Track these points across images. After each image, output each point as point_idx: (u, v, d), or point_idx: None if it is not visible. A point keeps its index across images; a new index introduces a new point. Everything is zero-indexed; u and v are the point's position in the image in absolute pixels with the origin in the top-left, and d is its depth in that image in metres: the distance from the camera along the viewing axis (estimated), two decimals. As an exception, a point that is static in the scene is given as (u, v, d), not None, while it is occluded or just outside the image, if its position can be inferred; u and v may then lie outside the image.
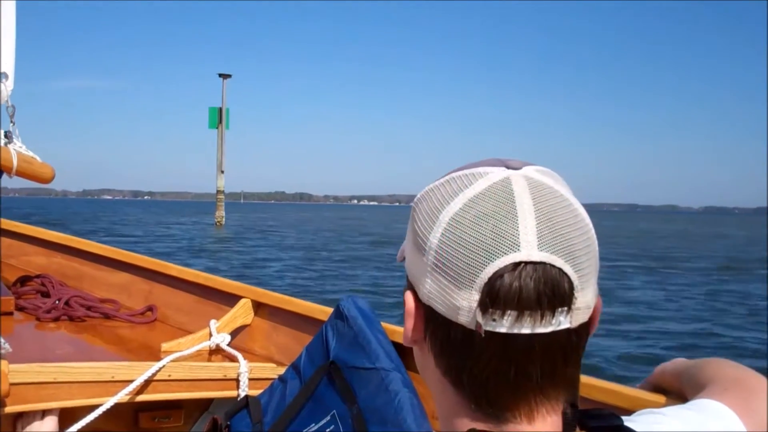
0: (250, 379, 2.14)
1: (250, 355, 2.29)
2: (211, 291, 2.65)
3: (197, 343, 2.30)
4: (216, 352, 2.34)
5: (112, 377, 1.95)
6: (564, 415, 0.78)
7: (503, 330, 0.70)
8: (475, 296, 0.71)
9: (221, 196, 45.70)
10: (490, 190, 0.75)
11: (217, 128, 42.22)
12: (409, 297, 0.78)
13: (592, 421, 0.80)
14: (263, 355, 2.39)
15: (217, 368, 2.14)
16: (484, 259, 0.71)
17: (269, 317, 2.45)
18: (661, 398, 1.29)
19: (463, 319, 0.72)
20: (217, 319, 2.43)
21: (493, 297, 0.70)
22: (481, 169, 0.78)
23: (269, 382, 2.11)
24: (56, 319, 2.61)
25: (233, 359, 2.22)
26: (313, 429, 1.83)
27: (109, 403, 1.90)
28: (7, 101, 2.45)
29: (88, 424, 1.87)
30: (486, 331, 0.70)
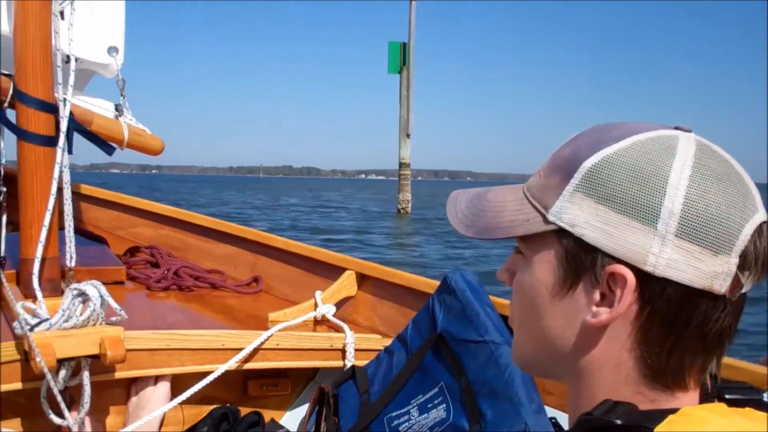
0: (356, 350, 2.20)
1: (354, 326, 2.35)
2: (315, 263, 2.72)
3: (303, 314, 2.38)
4: (321, 322, 2.41)
5: (223, 345, 2.03)
6: (703, 385, 0.78)
7: (743, 291, 0.75)
8: (734, 260, 0.73)
9: (406, 171, 31.50)
10: (705, 152, 0.76)
11: (399, 72, 29.42)
12: (627, 272, 0.75)
13: (729, 392, 0.79)
14: (367, 327, 2.45)
15: (323, 338, 2.21)
16: (739, 221, 0.73)
17: (373, 289, 2.50)
18: None
19: (718, 284, 0.73)
20: (322, 290, 2.50)
21: (749, 259, 0.73)
22: (665, 132, 0.79)
23: (375, 353, 2.16)
24: (166, 289, 2.74)
25: (339, 330, 2.28)
26: (421, 400, 1.86)
27: (220, 370, 1.98)
28: (117, 75, 2.57)
29: (198, 391, 1.96)
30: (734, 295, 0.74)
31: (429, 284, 2.22)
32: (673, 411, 0.72)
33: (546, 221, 0.81)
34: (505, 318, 1.89)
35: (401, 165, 31.07)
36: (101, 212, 3.53)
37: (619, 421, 0.72)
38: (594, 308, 0.78)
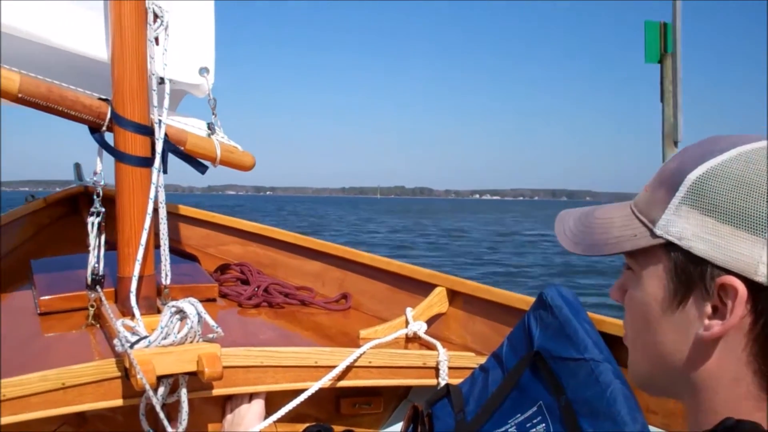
0: (450, 368, 2.19)
1: (447, 343, 2.34)
2: (404, 279, 2.73)
3: (395, 331, 2.39)
4: (413, 340, 2.42)
5: (315, 362, 2.06)
6: None
7: None
8: None
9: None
10: None
11: (659, 62, 20.31)
12: (738, 283, 0.76)
13: None
14: (460, 344, 2.44)
15: (416, 356, 2.21)
16: None
17: (465, 306, 2.50)
18: None
19: None
20: (411, 307, 2.51)
21: None
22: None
23: (468, 371, 2.15)
24: (257, 306, 2.79)
25: (431, 347, 2.28)
26: (519, 419, 1.84)
27: (314, 387, 2.01)
28: (209, 94, 2.65)
29: (292, 409, 1.99)
30: None
31: (523, 300, 2.21)
32: None
33: (653, 235, 0.82)
34: (604, 335, 1.86)
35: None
36: (191, 230, 3.64)
37: None
38: (706, 321, 0.78)
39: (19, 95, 2.03)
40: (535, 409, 1.83)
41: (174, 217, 3.60)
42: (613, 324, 1.90)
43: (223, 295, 2.86)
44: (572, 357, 1.80)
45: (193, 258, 3.23)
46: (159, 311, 2.14)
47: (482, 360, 2.14)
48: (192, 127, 2.57)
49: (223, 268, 3.23)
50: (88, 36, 2.32)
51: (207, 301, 2.70)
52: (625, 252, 0.86)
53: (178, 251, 3.25)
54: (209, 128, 2.64)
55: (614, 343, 1.82)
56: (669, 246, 0.81)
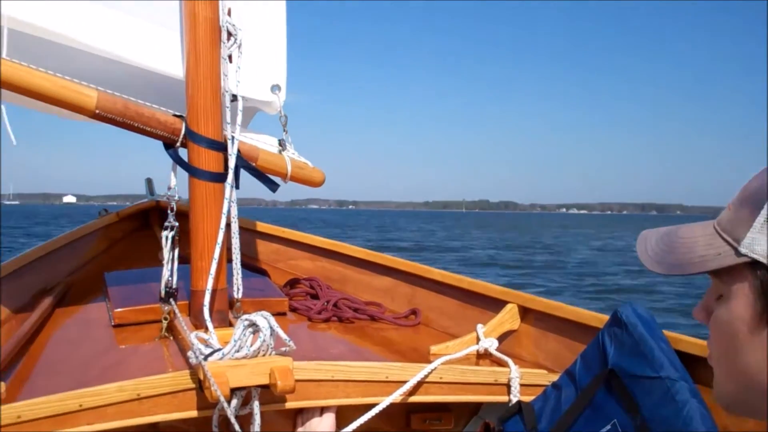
0: (521, 385, 2.17)
1: (518, 360, 2.33)
2: (474, 296, 2.72)
3: (466, 347, 2.38)
4: (484, 356, 2.40)
5: (386, 377, 2.06)
6: None
7: None
8: None
9: None
10: None
11: None
12: None
13: None
14: (531, 361, 2.42)
15: (488, 372, 2.20)
16: None
17: (536, 323, 2.48)
18: None
19: None
20: (482, 323, 2.49)
21: None
22: None
23: (540, 388, 2.13)
24: (326, 320, 2.82)
25: (503, 364, 2.26)
26: None
27: (385, 402, 2.01)
28: (280, 111, 2.70)
29: (363, 423, 1.99)
30: None
31: (596, 318, 2.18)
32: None
33: (738, 254, 0.81)
34: (679, 353, 1.82)
35: None
36: (261, 245, 3.69)
37: None
38: None
39: (97, 111, 2.10)
40: (609, 427, 1.80)
41: (243, 231, 3.66)
42: (689, 342, 1.86)
43: (293, 309, 2.89)
44: (648, 375, 1.78)
45: (262, 272, 3.27)
46: (231, 324, 2.17)
47: (555, 377, 2.12)
48: (263, 143, 2.62)
49: (293, 283, 3.27)
50: (163, 54, 2.39)
51: (277, 315, 2.72)
52: (710, 271, 0.85)
53: (248, 265, 3.30)
54: (280, 144, 2.69)
55: (690, 362, 1.78)
56: (755, 265, 0.80)
